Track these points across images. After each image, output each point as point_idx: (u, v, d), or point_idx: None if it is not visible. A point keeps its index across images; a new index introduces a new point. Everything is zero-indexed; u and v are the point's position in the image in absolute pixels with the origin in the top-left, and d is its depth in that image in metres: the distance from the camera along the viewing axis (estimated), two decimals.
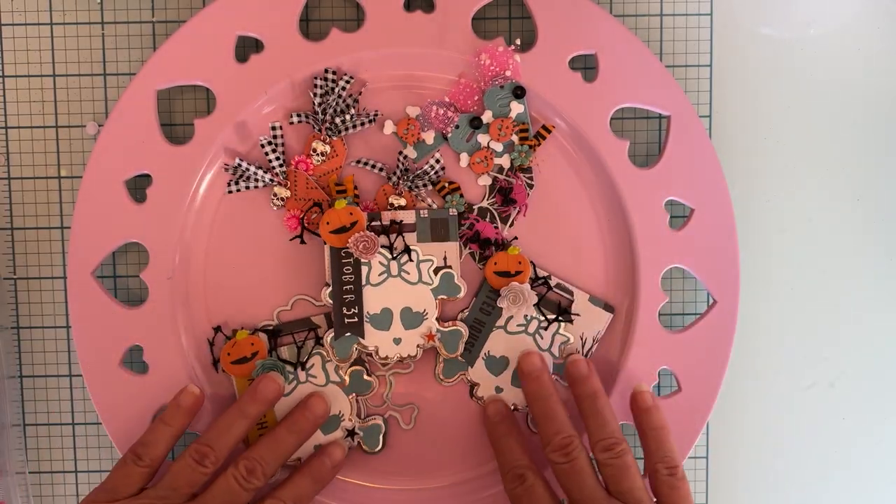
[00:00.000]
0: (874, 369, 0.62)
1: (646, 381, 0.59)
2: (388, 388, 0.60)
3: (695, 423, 0.59)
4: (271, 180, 0.59)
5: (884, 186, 0.62)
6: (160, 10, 0.60)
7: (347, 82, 0.58)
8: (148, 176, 0.58)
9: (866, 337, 0.62)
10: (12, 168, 0.61)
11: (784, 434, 0.63)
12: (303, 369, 0.59)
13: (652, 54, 0.58)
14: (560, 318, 0.59)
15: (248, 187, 0.59)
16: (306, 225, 0.59)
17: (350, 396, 0.59)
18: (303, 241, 0.59)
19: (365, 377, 0.59)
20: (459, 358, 0.59)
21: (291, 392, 0.59)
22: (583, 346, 0.60)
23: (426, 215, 0.58)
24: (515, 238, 0.59)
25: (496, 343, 0.59)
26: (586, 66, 0.60)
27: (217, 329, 0.59)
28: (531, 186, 0.59)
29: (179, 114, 0.61)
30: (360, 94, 0.59)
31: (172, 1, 0.60)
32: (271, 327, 0.59)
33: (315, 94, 0.58)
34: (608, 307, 0.60)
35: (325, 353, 0.59)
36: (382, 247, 0.58)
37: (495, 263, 0.59)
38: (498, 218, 0.59)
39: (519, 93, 0.57)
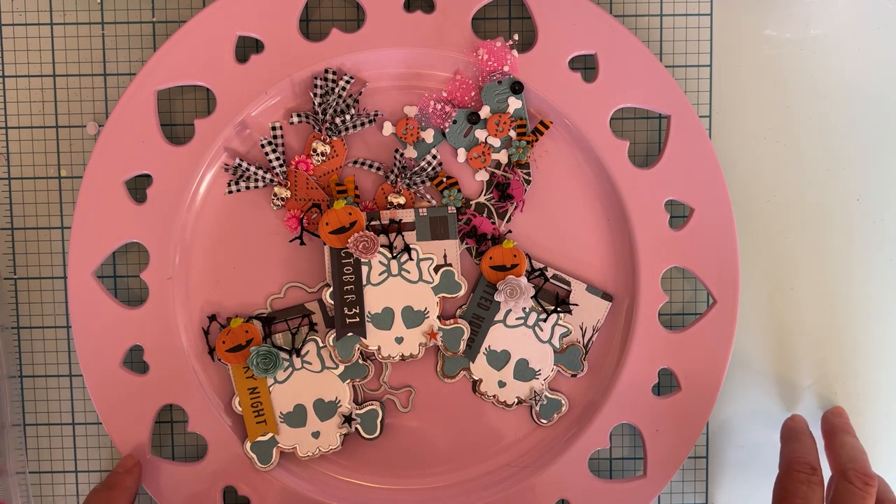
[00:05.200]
0: (873, 369, 0.62)
1: (646, 380, 0.59)
2: (385, 370, 0.60)
3: (695, 423, 0.59)
4: (271, 180, 0.59)
5: (884, 186, 0.62)
6: (160, 10, 0.60)
7: (347, 82, 0.58)
8: (148, 176, 0.58)
9: (866, 336, 0.62)
10: (12, 168, 0.61)
11: None
12: (297, 356, 0.59)
13: (652, 54, 0.58)
14: (559, 308, 0.59)
15: (248, 187, 0.59)
16: (305, 226, 0.59)
17: (346, 382, 0.59)
18: (302, 243, 0.59)
19: (360, 362, 0.59)
20: (460, 354, 0.59)
21: (287, 379, 0.59)
22: (583, 336, 0.60)
23: (425, 214, 0.58)
24: (510, 231, 0.59)
25: (496, 337, 0.59)
26: (586, 66, 0.60)
27: (212, 318, 0.59)
28: (528, 182, 0.59)
29: (179, 114, 0.61)
30: (360, 94, 0.59)
31: (172, 1, 0.60)
32: (265, 315, 0.59)
33: (315, 94, 0.58)
34: (606, 296, 0.60)
35: (319, 340, 0.59)
36: (382, 246, 0.58)
37: (490, 258, 0.59)
38: (495, 213, 0.59)
39: (517, 88, 0.58)
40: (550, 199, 0.60)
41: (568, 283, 0.60)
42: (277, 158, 0.58)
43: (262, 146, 0.58)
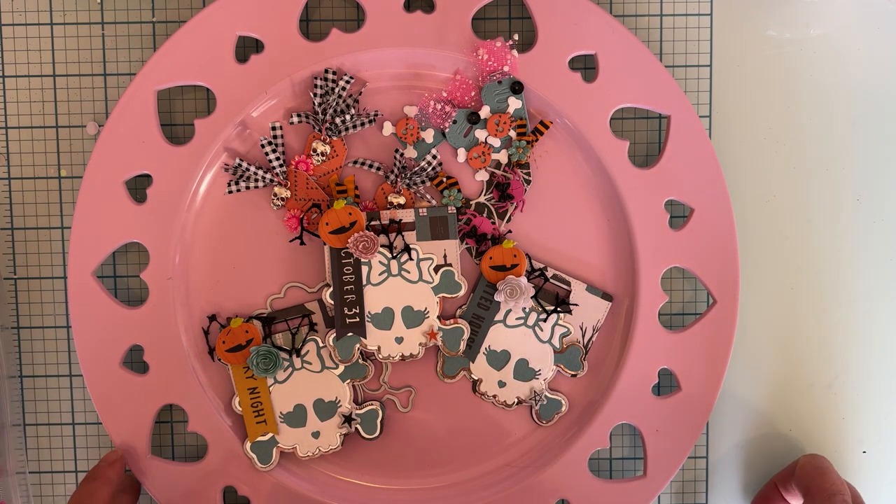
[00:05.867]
0: (873, 369, 0.62)
1: (646, 380, 0.59)
2: (385, 371, 0.60)
3: (695, 423, 0.59)
4: (271, 180, 0.59)
5: (884, 186, 0.62)
6: (160, 10, 0.60)
7: (347, 82, 0.58)
8: (148, 176, 0.58)
9: (865, 337, 0.62)
10: (12, 168, 0.61)
11: (783, 434, 0.63)
12: (297, 356, 0.59)
13: (652, 54, 0.58)
14: (559, 308, 0.59)
15: (248, 187, 0.59)
16: (305, 226, 0.59)
17: (346, 382, 0.59)
18: (302, 243, 0.59)
19: (360, 362, 0.59)
20: (460, 354, 0.59)
21: (287, 379, 0.59)
22: (583, 336, 0.60)
23: (425, 214, 0.58)
24: (510, 231, 0.59)
25: (496, 337, 0.59)
26: (586, 66, 0.60)
27: (212, 318, 0.59)
28: (528, 182, 0.59)
29: (179, 114, 0.61)
30: (360, 94, 0.59)
31: (172, 1, 0.60)
32: (265, 315, 0.59)
33: (315, 94, 0.58)
34: (606, 296, 0.60)
35: (319, 340, 0.59)
36: (382, 246, 0.58)
37: (490, 258, 0.59)
38: (495, 213, 0.59)
39: (517, 88, 0.58)
40: (550, 199, 0.60)
41: (568, 283, 0.60)
42: (277, 158, 0.58)
43: (262, 146, 0.58)
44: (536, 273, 0.59)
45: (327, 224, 0.58)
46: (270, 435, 0.59)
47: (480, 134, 0.58)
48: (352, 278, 0.58)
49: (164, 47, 0.57)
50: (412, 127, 0.59)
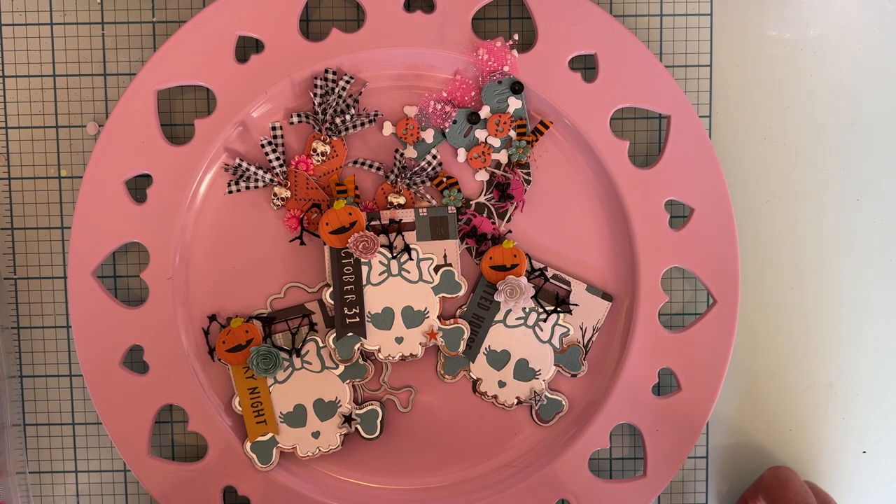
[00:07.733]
0: (873, 369, 0.62)
1: (646, 380, 0.59)
2: (385, 371, 0.60)
3: (695, 423, 0.59)
4: (271, 180, 0.59)
5: (884, 186, 0.62)
6: (160, 10, 0.60)
7: (347, 82, 0.58)
8: (148, 176, 0.58)
9: (865, 337, 0.62)
10: (12, 168, 0.61)
11: (783, 434, 0.63)
12: (298, 356, 0.59)
13: (652, 54, 0.58)
14: (559, 308, 0.59)
15: (248, 187, 0.59)
16: (305, 226, 0.59)
17: (346, 382, 0.59)
18: (303, 243, 0.59)
19: (360, 362, 0.59)
20: (460, 354, 0.59)
21: (287, 379, 0.59)
22: (583, 337, 0.60)
23: (425, 214, 0.58)
24: (510, 231, 0.59)
25: (496, 337, 0.59)
26: (586, 66, 0.60)
27: (212, 318, 0.59)
28: (528, 182, 0.59)
29: (179, 114, 0.61)
30: (360, 94, 0.59)
31: (172, 1, 0.60)
32: (265, 315, 0.59)
33: (315, 94, 0.58)
34: (606, 296, 0.60)
35: (319, 340, 0.59)
36: (382, 246, 0.58)
37: (490, 258, 0.59)
38: (495, 213, 0.59)
39: (517, 88, 0.58)
40: (550, 199, 0.60)
41: (568, 283, 0.60)
42: (277, 158, 0.58)
43: (262, 146, 0.58)
44: (536, 273, 0.59)
45: (327, 224, 0.58)
46: (270, 435, 0.59)
47: (480, 134, 0.58)
48: (352, 278, 0.58)
49: (164, 47, 0.57)
50: (412, 127, 0.59)
